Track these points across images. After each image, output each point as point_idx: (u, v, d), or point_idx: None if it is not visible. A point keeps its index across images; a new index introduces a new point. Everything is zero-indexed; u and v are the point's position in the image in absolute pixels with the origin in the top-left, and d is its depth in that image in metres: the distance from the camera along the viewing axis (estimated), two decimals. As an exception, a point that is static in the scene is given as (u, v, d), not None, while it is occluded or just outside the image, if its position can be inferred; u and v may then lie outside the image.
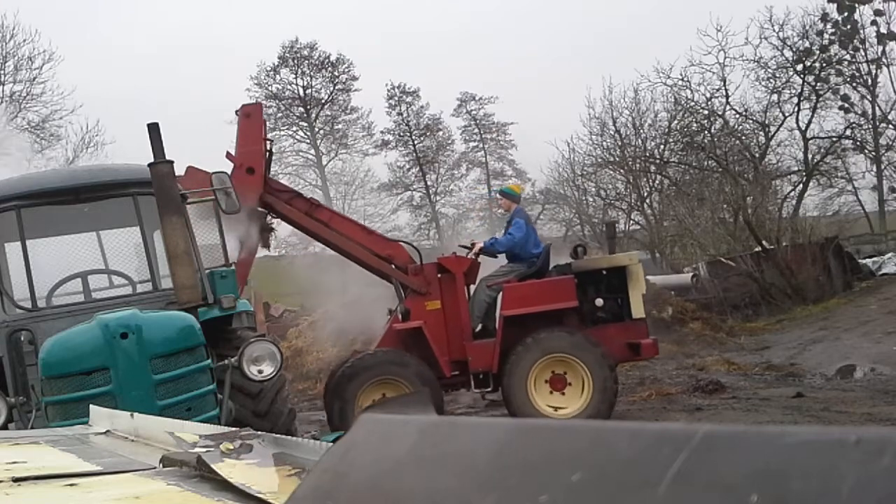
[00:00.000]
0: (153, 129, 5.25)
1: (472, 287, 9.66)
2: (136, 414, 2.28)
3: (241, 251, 9.88)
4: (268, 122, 11.37)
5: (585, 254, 10.57)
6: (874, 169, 31.13)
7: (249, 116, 9.93)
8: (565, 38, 62.88)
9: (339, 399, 9.05)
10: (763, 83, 29.48)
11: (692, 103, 29.07)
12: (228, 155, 9.80)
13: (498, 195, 11.61)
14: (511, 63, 62.21)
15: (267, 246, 10.58)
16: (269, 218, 10.07)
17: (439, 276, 9.47)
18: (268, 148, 10.10)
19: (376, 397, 9.11)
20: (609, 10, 65.06)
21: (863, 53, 30.48)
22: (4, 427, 4.94)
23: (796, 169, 29.47)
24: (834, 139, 29.85)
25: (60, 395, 4.62)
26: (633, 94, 30.17)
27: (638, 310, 9.35)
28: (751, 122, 29.49)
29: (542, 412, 8.96)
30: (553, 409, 9.07)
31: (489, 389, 9.53)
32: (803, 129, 29.46)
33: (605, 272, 9.47)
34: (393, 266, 9.65)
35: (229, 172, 9.68)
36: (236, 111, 10.34)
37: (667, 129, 29.24)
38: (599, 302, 9.34)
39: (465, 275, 9.53)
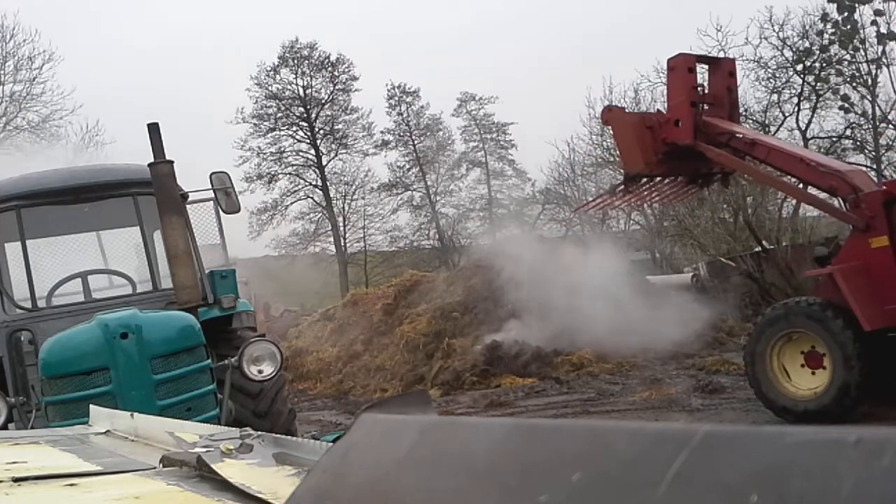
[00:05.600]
0: (153, 129, 5.26)
1: None
2: (136, 414, 2.28)
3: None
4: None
5: None
6: (874, 169, 31.10)
7: (674, 70, 9.87)
8: (565, 37, 62.80)
9: (752, 353, 8.43)
10: (763, 83, 29.47)
11: (692, 103, 29.05)
12: (659, 113, 10.00)
13: None
14: (511, 63, 62.21)
15: (726, 183, 11.07)
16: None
17: (887, 206, 7.91)
18: (722, 91, 10.04)
19: (795, 353, 8.21)
20: (609, 10, 65.02)
21: (863, 53, 30.41)
22: (4, 427, 4.94)
23: (796, 169, 29.45)
24: (834, 139, 29.82)
25: (60, 395, 4.62)
26: (633, 94, 30.11)
27: None
28: (751, 122, 29.44)
29: None
30: None
31: None
32: (803, 129, 29.44)
33: None
34: (835, 201, 8.68)
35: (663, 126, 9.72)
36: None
37: (667, 129, 29.23)
38: None
39: None
